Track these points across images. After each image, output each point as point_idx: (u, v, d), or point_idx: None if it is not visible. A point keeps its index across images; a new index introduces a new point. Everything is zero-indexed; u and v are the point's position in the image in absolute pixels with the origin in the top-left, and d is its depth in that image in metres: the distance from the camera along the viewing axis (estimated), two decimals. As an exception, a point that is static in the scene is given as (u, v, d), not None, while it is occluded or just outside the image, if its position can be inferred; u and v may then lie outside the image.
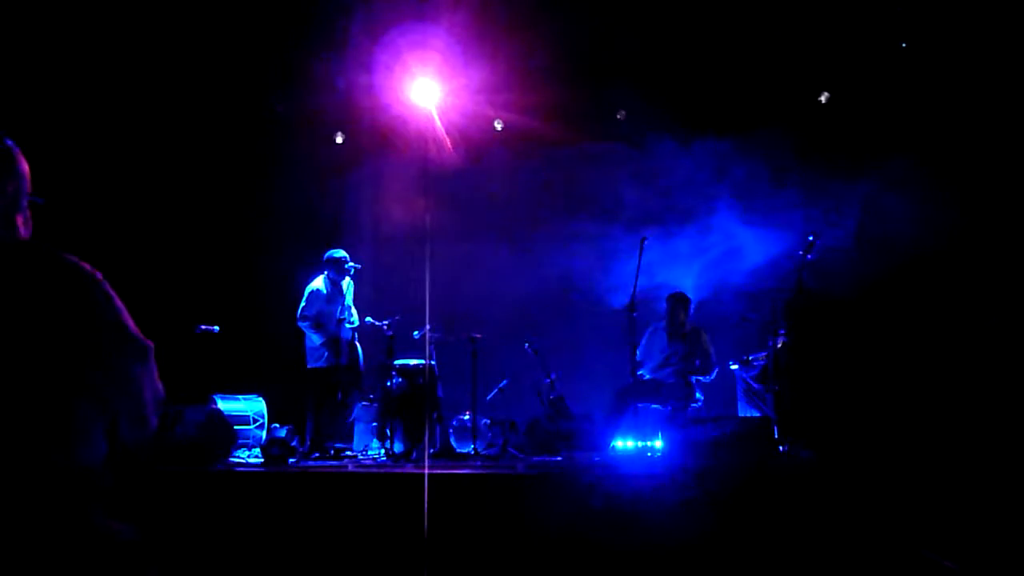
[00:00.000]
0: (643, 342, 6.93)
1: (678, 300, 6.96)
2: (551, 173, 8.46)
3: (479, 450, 6.65)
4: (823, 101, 7.84)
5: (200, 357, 7.16)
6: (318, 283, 6.97)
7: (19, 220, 1.96)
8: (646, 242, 6.20)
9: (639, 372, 6.72)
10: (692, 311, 7.07)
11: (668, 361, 6.88)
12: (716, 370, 6.86)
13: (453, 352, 7.27)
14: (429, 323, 6.87)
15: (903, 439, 5.34)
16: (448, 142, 8.17)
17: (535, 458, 6.35)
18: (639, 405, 6.44)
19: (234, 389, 7.39)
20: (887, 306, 6.79)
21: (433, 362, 7.03)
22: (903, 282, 6.49)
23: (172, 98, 7.85)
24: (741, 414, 6.74)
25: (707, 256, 7.57)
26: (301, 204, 8.18)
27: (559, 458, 6.14)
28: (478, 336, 6.94)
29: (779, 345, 6.26)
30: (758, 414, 6.51)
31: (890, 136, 7.14)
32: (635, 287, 6.20)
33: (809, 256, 6.03)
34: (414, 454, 6.40)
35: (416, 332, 6.88)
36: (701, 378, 6.80)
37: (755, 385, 6.70)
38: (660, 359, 6.92)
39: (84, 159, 7.41)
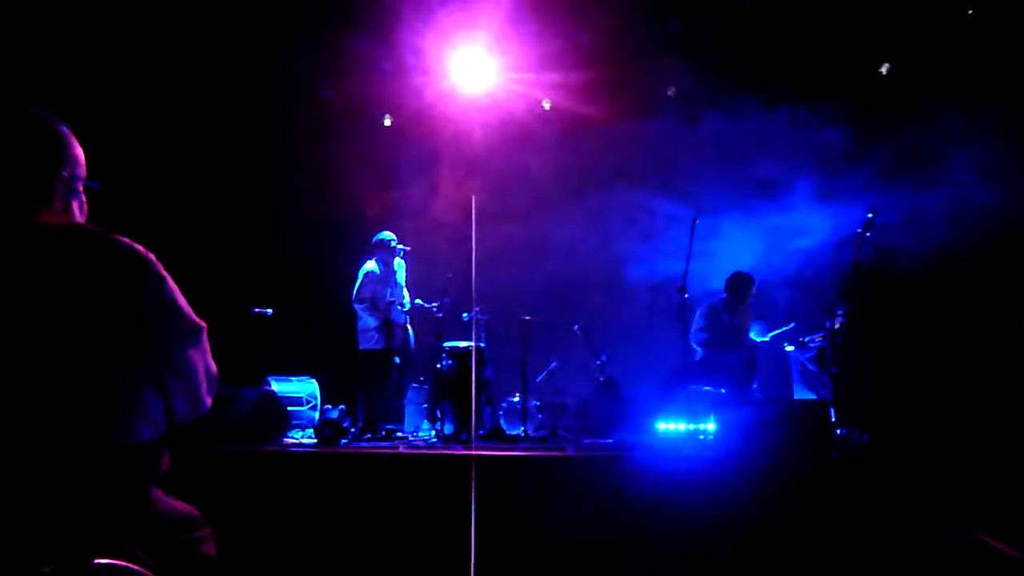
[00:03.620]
0: (701, 318, 6.81)
1: (749, 281, 6.84)
2: (599, 152, 8.35)
3: (528, 432, 6.67)
4: (884, 72, 7.58)
5: (254, 339, 7.32)
6: (371, 265, 7.05)
7: (74, 205, 2.01)
8: (697, 222, 6.10)
9: (697, 351, 6.65)
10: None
11: (731, 338, 6.76)
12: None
13: (502, 334, 7.29)
14: (477, 305, 6.88)
15: (966, 424, 5.20)
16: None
17: (585, 440, 6.29)
18: (692, 386, 6.37)
19: (288, 371, 7.50)
20: (957, 285, 6.61)
21: (482, 344, 7.03)
22: (978, 259, 6.31)
23: (224, 83, 7.98)
24: (797, 396, 6.62)
25: (763, 235, 7.42)
26: (351, 187, 8.25)
27: (610, 440, 6.12)
28: (527, 318, 6.95)
29: (837, 326, 6.11)
30: (814, 396, 6.38)
31: (954, 109, 6.89)
32: (687, 267, 6.13)
33: (868, 233, 5.86)
34: (464, 435, 6.43)
35: (465, 314, 6.91)
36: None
37: (811, 367, 6.58)
38: (723, 337, 6.80)
39: (138, 143, 7.60)
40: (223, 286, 7.72)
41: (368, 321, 6.94)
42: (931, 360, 6.58)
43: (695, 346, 6.75)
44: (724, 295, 6.84)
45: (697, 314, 6.93)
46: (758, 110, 7.68)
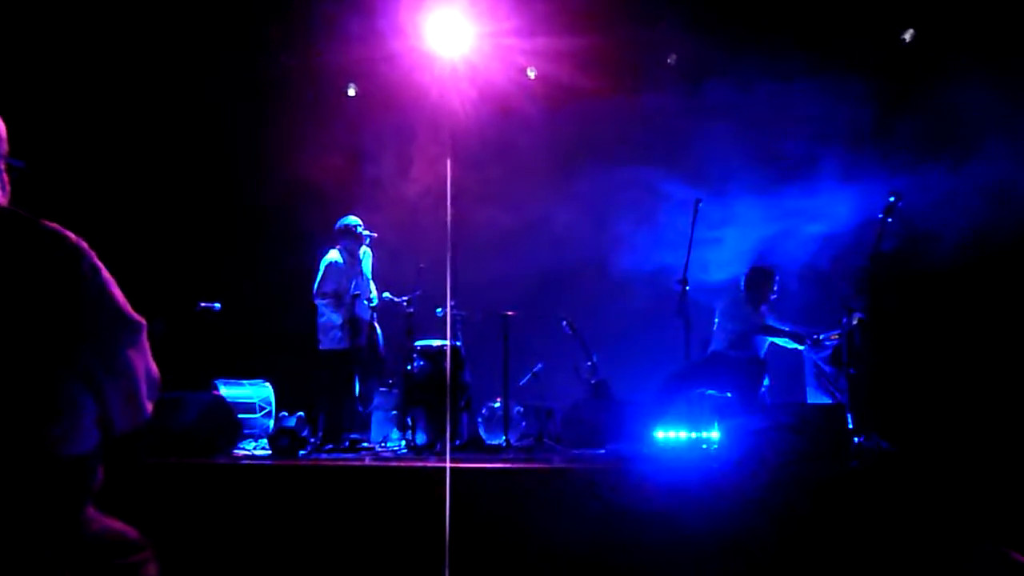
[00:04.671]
0: (728, 308, 6.82)
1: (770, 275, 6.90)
2: (591, 128, 8.34)
3: (511, 441, 6.68)
4: (907, 40, 7.63)
5: (200, 338, 7.28)
6: (334, 255, 7.04)
7: (-5, 184, 1.98)
8: (700, 205, 6.12)
9: (714, 349, 6.68)
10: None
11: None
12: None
13: (482, 331, 7.28)
14: (453, 299, 6.86)
15: (998, 433, 5.26)
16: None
17: (574, 450, 6.37)
18: (694, 390, 6.40)
19: (238, 373, 7.49)
20: (993, 276, 6.67)
21: (459, 343, 7.06)
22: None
23: (167, 50, 7.90)
24: (810, 401, 6.66)
25: (773, 219, 7.46)
26: (311, 166, 8.22)
27: (601, 451, 6.15)
28: (510, 313, 6.94)
29: (855, 323, 6.17)
30: (830, 401, 6.43)
31: (987, 79, 6.95)
32: (688, 256, 6.15)
33: (890, 219, 5.90)
34: (438, 446, 6.44)
35: (439, 309, 6.90)
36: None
37: (827, 368, 6.62)
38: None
39: (63, 114, 7.51)
40: (164, 278, 7.70)
41: (330, 317, 6.92)
42: (962, 361, 6.63)
43: (724, 348, 6.73)
44: (742, 291, 6.86)
45: (727, 306, 6.86)
46: (768, 81, 7.70)
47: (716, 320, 6.89)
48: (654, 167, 7.91)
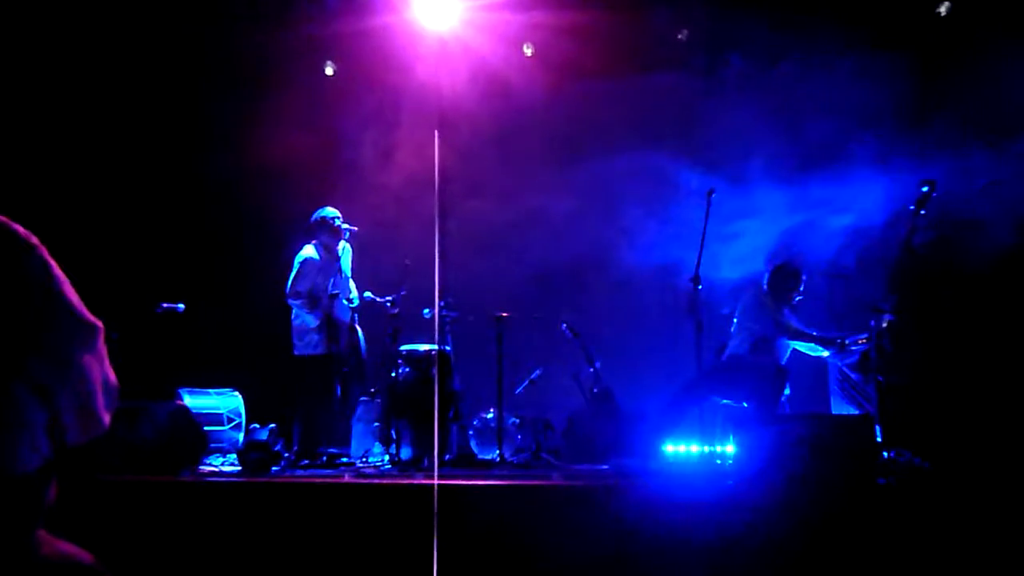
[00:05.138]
0: (748, 309, 6.85)
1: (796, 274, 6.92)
2: (594, 110, 8.35)
3: (505, 456, 6.69)
4: (944, 12, 7.65)
5: (162, 342, 7.28)
6: (310, 251, 7.03)
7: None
8: (714, 196, 6.12)
9: (732, 352, 6.71)
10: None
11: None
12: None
13: (473, 335, 7.29)
14: (442, 299, 6.89)
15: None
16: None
17: (575, 466, 6.39)
18: (707, 400, 6.41)
19: (204, 382, 7.47)
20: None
21: (448, 348, 7.06)
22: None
23: (121, 22, 7.90)
24: (835, 411, 6.68)
25: (794, 211, 7.46)
26: (286, 153, 8.21)
27: (605, 466, 6.17)
28: (504, 315, 6.95)
29: (884, 325, 6.17)
30: (856, 412, 6.44)
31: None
32: (701, 252, 6.13)
33: (923, 212, 5.91)
34: (425, 461, 6.45)
35: (427, 310, 6.90)
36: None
37: (853, 376, 6.63)
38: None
39: (13, 95, 7.52)
40: (123, 276, 7.71)
41: (306, 320, 6.92)
42: (1004, 368, 6.63)
43: (742, 353, 6.74)
44: (765, 291, 6.86)
45: (749, 305, 6.86)
46: (790, 57, 7.73)
47: (734, 322, 6.91)
48: (663, 153, 7.93)
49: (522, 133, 8.46)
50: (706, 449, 6.25)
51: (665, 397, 6.71)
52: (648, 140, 8.12)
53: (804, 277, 6.87)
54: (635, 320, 8.06)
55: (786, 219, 7.45)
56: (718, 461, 6.05)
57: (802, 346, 6.75)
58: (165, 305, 7.09)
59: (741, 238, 7.27)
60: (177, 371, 7.47)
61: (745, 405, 6.54)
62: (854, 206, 7.27)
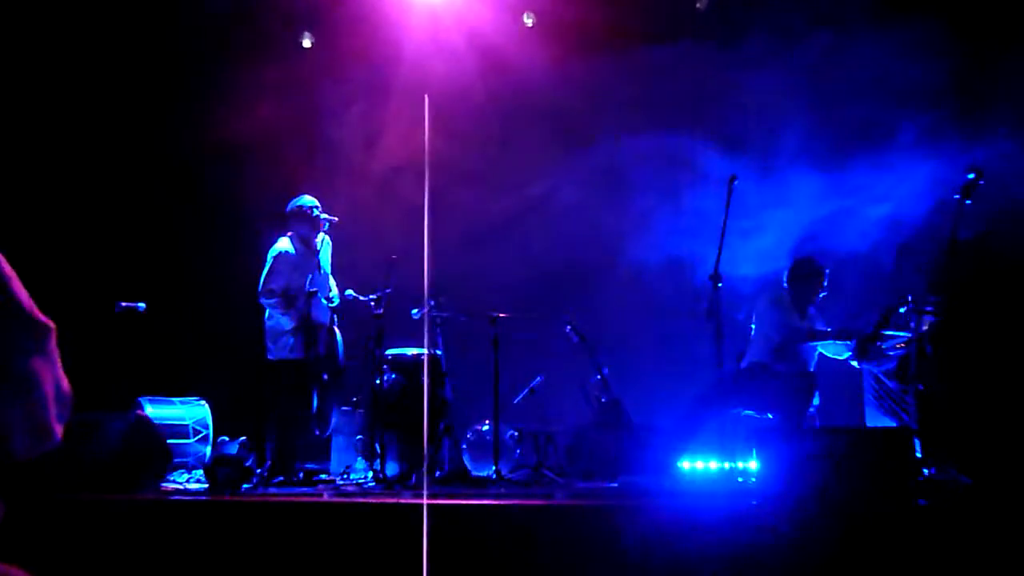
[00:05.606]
0: (765, 313, 6.88)
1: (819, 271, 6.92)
2: (601, 87, 8.36)
3: (503, 473, 6.67)
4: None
5: (121, 345, 7.26)
6: (285, 244, 7.00)
7: None
8: (736, 183, 6.11)
9: (752, 359, 6.72)
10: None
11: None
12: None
13: (467, 337, 7.31)
14: (432, 298, 6.89)
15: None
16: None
17: (580, 483, 6.42)
18: (728, 411, 6.42)
19: (168, 390, 7.49)
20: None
21: (439, 352, 7.08)
22: None
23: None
24: (870, 424, 6.68)
25: (826, 199, 7.46)
26: (257, 135, 8.20)
27: (614, 484, 6.19)
28: (501, 315, 6.94)
29: (925, 328, 6.18)
30: (894, 424, 6.45)
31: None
32: (721, 245, 6.12)
33: (968, 201, 5.91)
34: (413, 478, 6.47)
35: (415, 310, 6.91)
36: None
37: (890, 384, 6.63)
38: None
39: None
40: (77, 271, 7.76)
41: (280, 321, 6.90)
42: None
43: (765, 359, 6.76)
44: (785, 288, 6.87)
45: (764, 309, 6.89)
46: (822, 28, 7.73)
47: (752, 327, 6.93)
48: (680, 135, 7.95)
49: (522, 113, 8.47)
50: (726, 465, 6.24)
51: (680, 407, 6.73)
52: (662, 120, 8.13)
53: (827, 271, 6.87)
54: (647, 322, 8.07)
55: (816, 209, 7.43)
56: (739, 479, 6.03)
57: (829, 349, 6.75)
58: (124, 304, 7.11)
59: (766, 231, 7.28)
60: (137, 377, 7.48)
61: (769, 416, 6.56)
62: (893, 194, 7.27)
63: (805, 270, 6.84)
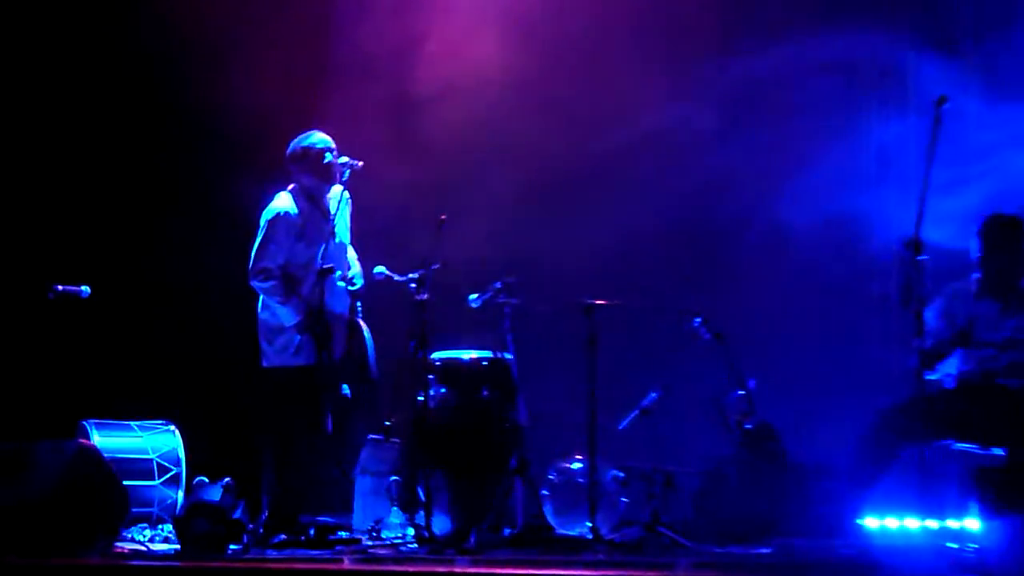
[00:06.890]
0: (936, 314, 6.62)
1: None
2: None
3: (602, 532, 6.55)
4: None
5: (59, 347, 7.41)
6: (284, 202, 6.89)
7: None
8: (947, 107, 5.85)
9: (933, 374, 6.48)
10: None
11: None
12: None
13: (548, 335, 7.31)
14: (500, 279, 6.83)
15: None
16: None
17: (715, 549, 6.28)
18: (930, 442, 6.14)
19: (124, 411, 7.49)
20: None
21: (509, 355, 6.98)
22: None
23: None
24: None
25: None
26: (247, 41, 8.22)
27: (766, 550, 6.06)
28: (598, 303, 6.79)
29: None
30: None
31: None
32: (922, 202, 5.85)
33: None
34: (472, 538, 6.35)
35: (475, 296, 6.83)
36: None
37: None
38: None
39: None
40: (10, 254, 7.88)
41: (279, 312, 6.80)
42: None
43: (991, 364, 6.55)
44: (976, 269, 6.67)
45: (938, 302, 6.71)
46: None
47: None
48: (856, 36, 7.80)
49: (622, 19, 8.36)
50: (933, 525, 5.99)
51: (861, 437, 6.50)
52: (832, 16, 7.99)
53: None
54: (811, 312, 7.95)
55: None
56: (953, 544, 5.78)
57: None
58: (61, 287, 6.97)
59: (987, 178, 7.11)
60: (81, 393, 7.53)
61: (996, 453, 6.29)
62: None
63: (998, 230, 6.64)
